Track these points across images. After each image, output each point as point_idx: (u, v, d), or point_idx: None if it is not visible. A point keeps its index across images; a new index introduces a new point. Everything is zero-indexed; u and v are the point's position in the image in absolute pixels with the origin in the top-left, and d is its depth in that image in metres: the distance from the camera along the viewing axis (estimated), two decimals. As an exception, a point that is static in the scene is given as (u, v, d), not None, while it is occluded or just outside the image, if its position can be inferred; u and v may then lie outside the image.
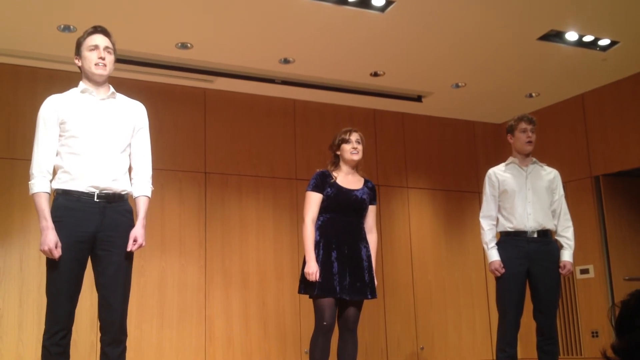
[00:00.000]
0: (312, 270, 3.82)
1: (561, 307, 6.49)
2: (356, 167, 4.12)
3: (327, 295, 3.81)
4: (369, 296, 3.93)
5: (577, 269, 6.40)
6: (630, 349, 1.45)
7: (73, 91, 3.18)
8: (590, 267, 6.31)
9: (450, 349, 6.64)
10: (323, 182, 3.99)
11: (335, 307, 3.86)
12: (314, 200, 3.98)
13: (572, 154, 6.60)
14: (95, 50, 3.12)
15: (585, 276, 6.35)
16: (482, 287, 6.88)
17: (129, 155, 3.20)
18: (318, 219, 3.98)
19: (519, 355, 4.31)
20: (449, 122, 7.18)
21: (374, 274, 4.01)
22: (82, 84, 3.18)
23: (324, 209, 3.98)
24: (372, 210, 4.09)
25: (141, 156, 3.23)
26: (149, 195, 3.23)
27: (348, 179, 4.05)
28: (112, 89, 3.21)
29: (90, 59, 3.12)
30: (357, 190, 4.02)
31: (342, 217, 3.96)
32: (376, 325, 6.28)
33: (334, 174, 4.05)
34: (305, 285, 3.92)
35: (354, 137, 4.08)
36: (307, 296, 3.99)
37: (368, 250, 4.00)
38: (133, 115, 3.23)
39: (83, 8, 4.59)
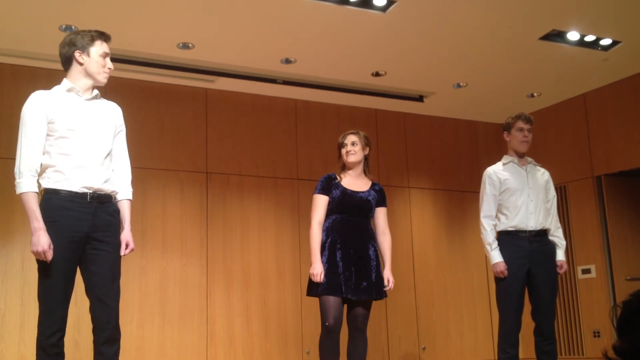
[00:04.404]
0: (317, 271, 3.84)
1: (563, 307, 6.48)
2: (362, 169, 4.15)
3: (332, 294, 3.82)
4: (375, 296, 3.94)
5: (579, 268, 6.40)
6: (632, 350, 1.45)
7: (58, 89, 3.16)
8: (592, 267, 6.30)
9: (451, 349, 6.64)
10: (329, 185, 4.05)
11: (340, 307, 3.86)
12: (320, 203, 4.03)
13: (573, 154, 6.60)
14: (107, 57, 3.19)
15: (586, 276, 6.34)
16: (484, 287, 6.87)
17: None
18: (326, 220, 4.03)
19: (520, 356, 4.30)
20: (451, 122, 7.17)
21: (390, 275, 4.03)
22: (68, 83, 3.16)
23: (330, 211, 4.03)
24: (381, 212, 4.14)
25: (122, 158, 3.27)
26: (131, 198, 3.28)
27: (354, 182, 4.10)
28: (96, 91, 3.23)
29: (100, 64, 3.16)
30: (362, 192, 4.06)
31: (348, 218, 4.00)
32: (378, 325, 6.27)
33: (340, 176, 4.11)
34: (311, 287, 3.94)
35: (349, 139, 4.13)
36: (313, 297, 3.99)
37: (376, 250, 4.03)
38: (114, 117, 3.26)
39: (84, 8, 4.59)
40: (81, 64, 3.15)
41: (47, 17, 4.72)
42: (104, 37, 3.21)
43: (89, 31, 3.21)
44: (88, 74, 3.16)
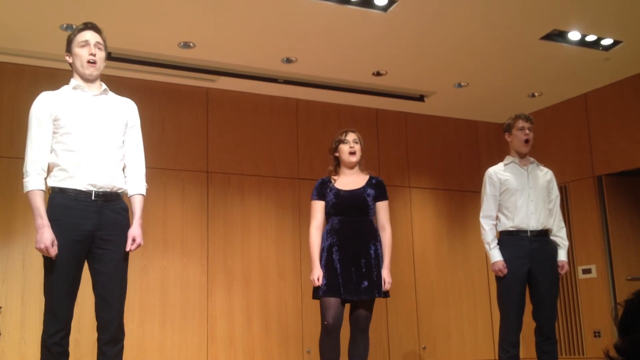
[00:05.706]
0: (315, 276, 3.87)
1: (563, 307, 6.48)
2: (358, 166, 4.12)
3: (330, 295, 3.81)
4: (377, 295, 3.90)
5: (580, 268, 6.40)
6: (634, 349, 1.45)
7: (65, 88, 3.16)
8: (593, 267, 6.30)
9: (452, 348, 6.63)
10: (323, 189, 4.03)
11: (340, 308, 3.85)
12: (316, 209, 4.03)
13: (574, 154, 6.60)
14: (86, 46, 3.11)
15: (587, 276, 6.34)
16: (485, 286, 6.87)
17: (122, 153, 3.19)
18: (327, 224, 4.03)
19: (521, 355, 4.30)
20: (452, 121, 7.17)
21: (388, 272, 3.96)
22: (74, 81, 3.16)
23: (328, 214, 4.02)
24: (381, 206, 4.05)
25: (135, 154, 3.22)
26: (144, 193, 3.23)
27: (349, 180, 4.04)
28: (104, 86, 3.20)
29: (82, 55, 3.10)
30: (357, 189, 4.01)
31: (347, 219, 3.96)
32: (378, 325, 6.27)
33: (334, 177, 4.07)
34: (314, 291, 3.94)
35: (351, 137, 4.07)
36: (315, 298, 4.00)
37: (377, 248, 3.95)
38: (125, 112, 3.22)
39: (86, 7, 4.59)
40: (71, 64, 3.17)
41: (48, 16, 4.72)
42: (84, 26, 3.15)
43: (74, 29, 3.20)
44: (77, 72, 3.15)
